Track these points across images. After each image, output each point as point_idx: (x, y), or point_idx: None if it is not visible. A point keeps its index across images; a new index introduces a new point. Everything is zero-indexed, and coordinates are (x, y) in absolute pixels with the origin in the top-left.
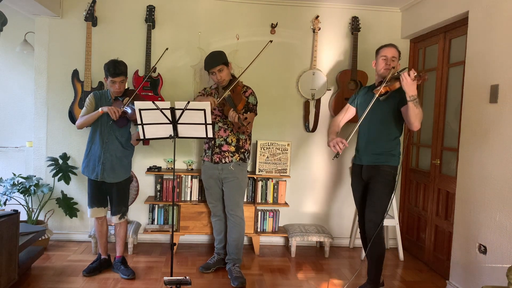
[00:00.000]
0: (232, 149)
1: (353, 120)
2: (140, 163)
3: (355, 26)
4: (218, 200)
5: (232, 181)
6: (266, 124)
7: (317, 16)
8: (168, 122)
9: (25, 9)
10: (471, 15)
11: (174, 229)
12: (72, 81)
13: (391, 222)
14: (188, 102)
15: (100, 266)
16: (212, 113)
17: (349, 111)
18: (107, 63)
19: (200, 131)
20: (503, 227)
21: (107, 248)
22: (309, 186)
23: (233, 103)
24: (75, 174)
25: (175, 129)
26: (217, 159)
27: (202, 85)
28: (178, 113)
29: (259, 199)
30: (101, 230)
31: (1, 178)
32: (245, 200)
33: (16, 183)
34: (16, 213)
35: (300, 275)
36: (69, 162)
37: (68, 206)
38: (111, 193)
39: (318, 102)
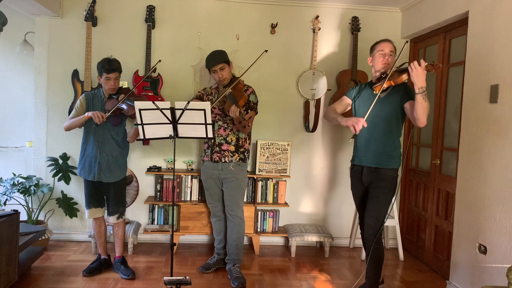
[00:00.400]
0: (232, 148)
1: (347, 115)
2: (140, 163)
3: (355, 26)
4: (218, 200)
5: (232, 181)
6: (266, 124)
7: (317, 16)
8: (168, 122)
9: (25, 9)
10: (471, 15)
11: (174, 229)
12: (72, 81)
13: (391, 222)
14: (188, 102)
15: (100, 266)
16: (212, 111)
17: (344, 103)
18: (100, 61)
19: (200, 131)
20: (503, 227)
21: (107, 248)
22: (309, 186)
23: (234, 100)
24: (75, 174)
25: (175, 129)
26: (217, 158)
27: (202, 85)
28: (178, 113)
29: (259, 199)
30: (99, 230)
31: (1, 178)
32: (245, 200)
33: (16, 183)
34: (16, 213)
35: (300, 275)
36: (69, 162)
37: (68, 206)
38: (108, 193)
39: (318, 102)
